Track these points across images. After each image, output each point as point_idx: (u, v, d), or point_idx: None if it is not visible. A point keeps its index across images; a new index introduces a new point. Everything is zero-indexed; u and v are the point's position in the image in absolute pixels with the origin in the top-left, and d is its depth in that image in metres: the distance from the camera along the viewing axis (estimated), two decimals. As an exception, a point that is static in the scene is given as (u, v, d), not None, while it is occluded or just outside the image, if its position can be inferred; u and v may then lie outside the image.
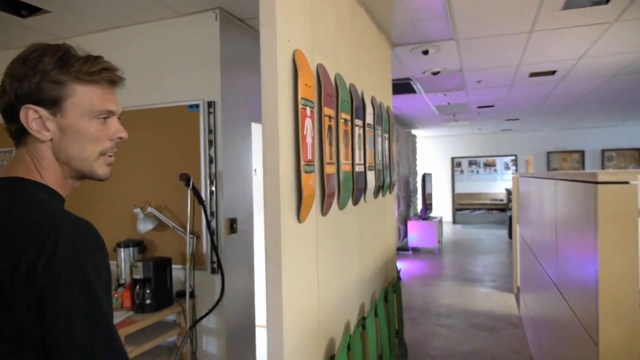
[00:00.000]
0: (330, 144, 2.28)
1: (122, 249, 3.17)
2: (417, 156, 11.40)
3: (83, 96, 0.86)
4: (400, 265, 7.54)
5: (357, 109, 2.80)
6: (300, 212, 1.94)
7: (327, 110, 2.25)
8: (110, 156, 0.94)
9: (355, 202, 2.81)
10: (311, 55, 2.16)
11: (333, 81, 2.45)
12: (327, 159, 2.22)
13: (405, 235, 8.89)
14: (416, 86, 5.81)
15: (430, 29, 3.67)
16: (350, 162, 2.62)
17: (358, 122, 2.81)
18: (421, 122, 9.98)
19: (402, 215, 8.86)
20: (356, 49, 2.97)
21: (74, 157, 0.88)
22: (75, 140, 0.87)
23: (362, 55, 3.10)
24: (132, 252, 3.20)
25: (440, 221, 9.51)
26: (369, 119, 3.10)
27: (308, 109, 1.99)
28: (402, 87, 5.77)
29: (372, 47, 3.41)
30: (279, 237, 1.82)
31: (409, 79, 5.39)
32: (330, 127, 2.28)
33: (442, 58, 4.47)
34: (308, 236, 2.08)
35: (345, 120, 2.55)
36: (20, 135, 0.87)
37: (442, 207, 12.98)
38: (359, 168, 2.80)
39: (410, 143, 10.45)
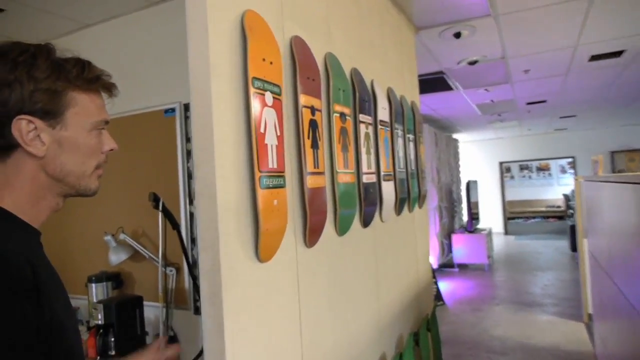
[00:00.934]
0: (315, 146, 1.63)
1: (93, 284, 2.66)
2: (460, 162, 10.47)
3: (83, 106, 0.82)
4: (445, 285, 6.68)
5: (363, 101, 2.14)
6: (259, 247, 1.30)
7: (308, 99, 1.61)
8: (101, 169, 0.88)
9: (366, 223, 2.13)
10: (279, 24, 1.54)
11: (322, 62, 1.81)
12: (309, 166, 1.58)
13: (450, 250, 7.99)
14: (451, 81, 5.05)
15: (461, 3, 2.96)
16: (353, 170, 1.96)
17: (365, 118, 2.15)
18: (463, 125, 9.09)
19: (446, 228, 7.98)
20: (361, 27, 2.33)
21: (71, 173, 0.82)
22: (74, 154, 0.81)
23: (370, 36, 2.45)
24: (105, 288, 2.69)
25: (490, 233, 8.53)
26: (383, 115, 2.42)
27: (269, 95, 1.36)
28: (435, 83, 5.03)
29: (386, 28, 2.75)
30: (219, 288, 1.19)
31: (441, 72, 4.65)
32: (313, 122, 1.63)
33: (479, 42, 3.72)
34: (279, 280, 1.44)
35: (342, 114, 1.89)
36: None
37: (491, 217, 11.87)
38: (368, 178, 2.13)
39: (452, 148, 9.57)
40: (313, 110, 1.64)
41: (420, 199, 3.13)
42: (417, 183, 3.07)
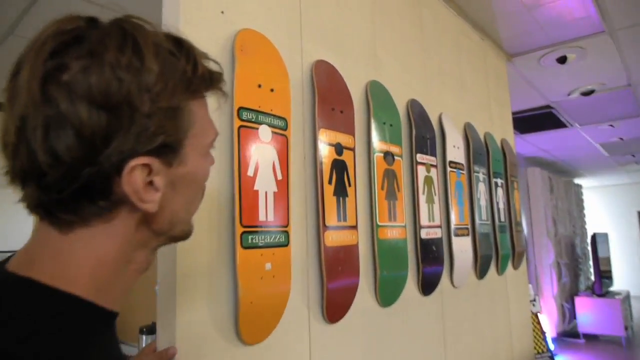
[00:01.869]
0: (341, 193, 1.30)
1: (144, 336, 2.54)
2: (585, 212, 9.01)
3: (202, 121, 0.53)
4: (565, 361, 5.52)
5: (422, 138, 1.76)
6: (239, 326, 0.99)
7: (331, 135, 1.30)
8: None
9: (427, 289, 1.69)
10: (295, 46, 1.28)
11: (362, 92, 1.50)
12: (329, 219, 1.24)
13: (574, 316, 6.69)
14: (563, 117, 4.32)
15: (562, 21, 2.45)
16: (403, 223, 1.56)
17: (425, 158, 1.75)
18: (586, 168, 7.84)
19: (567, 290, 6.74)
20: (426, 54, 1.98)
21: (183, 220, 0.56)
22: (189, 193, 0.55)
23: (439, 64, 2.08)
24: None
25: (627, 297, 7.01)
26: (455, 155, 1.99)
27: (265, 130, 1.09)
28: (543, 119, 4.35)
29: (464, 55, 2.35)
30: (171, 383, 0.89)
31: (549, 107, 3.99)
32: (339, 163, 1.31)
33: (593, 67, 3.08)
34: (276, 368, 1.09)
35: (388, 154, 1.54)
36: (91, 214, 0.47)
37: (629, 277, 9.90)
38: (429, 233, 1.70)
39: (574, 195, 8.29)
40: (339, 148, 1.32)
41: (515, 258, 2.53)
42: (511, 237, 2.50)
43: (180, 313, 0.91)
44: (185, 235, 0.60)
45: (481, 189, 2.20)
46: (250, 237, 1.01)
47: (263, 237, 1.04)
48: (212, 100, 0.57)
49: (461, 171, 2.02)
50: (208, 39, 1.03)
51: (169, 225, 0.54)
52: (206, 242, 0.98)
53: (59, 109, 0.43)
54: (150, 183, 0.48)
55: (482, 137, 2.37)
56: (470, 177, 2.14)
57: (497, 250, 2.30)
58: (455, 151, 2.00)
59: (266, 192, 1.07)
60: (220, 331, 0.98)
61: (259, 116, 1.08)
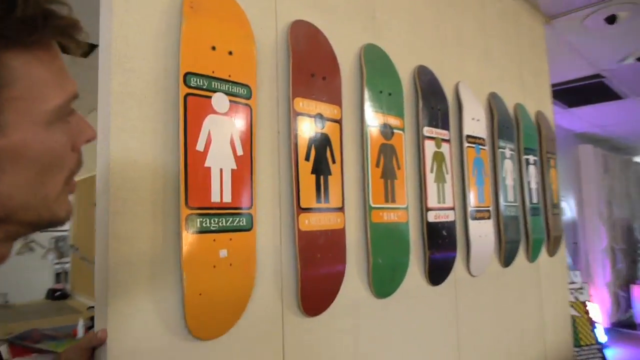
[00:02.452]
0: (321, 171, 1.14)
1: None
2: (647, 192, 8.26)
3: (30, 79, 0.42)
4: (618, 354, 5.10)
5: (432, 109, 1.56)
6: (187, 318, 0.88)
7: (309, 105, 1.14)
8: (73, 180, 0.49)
9: (437, 279, 1.51)
10: (270, 5, 1.13)
11: (357, 56, 1.33)
12: (304, 200, 1.10)
13: (630, 305, 6.19)
14: (615, 87, 3.87)
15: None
16: (404, 205, 1.39)
17: (435, 132, 1.56)
18: (648, 145, 7.15)
19: (622, 277, 6.23)
20: (439, 17, 1.75)
21: (21, 205, 0.44)
22: (24, 173, 0.43)
23: (457, 28, 1.85)
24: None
25: (694, 287, 6.38)
26: (474, 128, 1.77)
27: (220, 98, 0.95)
28: (593, 91, 3.93)
29: (489, 18, 2.08)
30: (101, 384, 0.79)
31: (599, 76, 3.58)
32: (320, 137, 1.15)
33: (650, 27, 2.69)
34: (239, 366, 0.98)
35: (385, 126, 1.36)
36: None
37: (699, 264, 9.04)
38: (438, 216, 1.52)
39: (631, 174, 7.60)
40: (320, 119, 1.16)
41: (551, 243, 2.27)
42: (545, 222, 2.24)
43: (113, 302, 0.81)
44: (51, 221, 0.49)
45: (507, 166, 1.96)
46: (198, 220, 0.89)
47: (216, 220, 0.92)
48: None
49: (481, 147, 1.80)
50: (150, -6, 0.91)
51: (3, 210, 0.43)
52: (149, 226, 0.86)
53: None
54: None
55: (511, 109, 2.12)
56: (494, 153, 1.91)
57: (528, 235, 2.07)
58: (475, 124, 1.78)
59: (221, 170, 0.94)
60: (167, 324, 0.87)
61: (213, 82, 0.94)
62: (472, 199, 1.71)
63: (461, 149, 1.71)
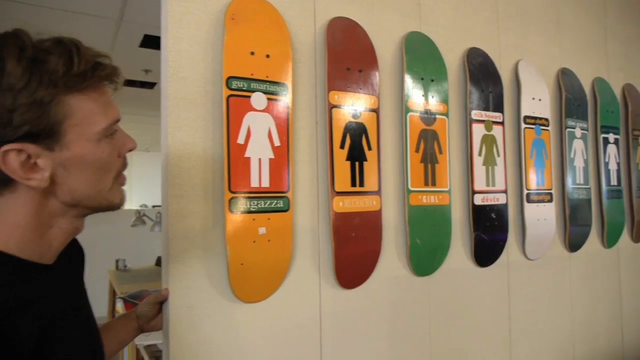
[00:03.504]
0: (356, 157, 1.25)
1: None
2: None
3: (84, 112, 0.62)
4: None
5: (480, 91, 1.55)
6: (232, 284, 1.06)
7: (344, 97, 1.24)
8: (122, 176, 0.73)
9: (484, 260, 1.54)
10: (309, 6, 1.24)
11: (399, 45, 1.39)
12: (338, 184, 1.21)
13: None
14: None
15: None
16: (446, 188, 1.43)
17: (483, 114, 1.55)
18: None
19: None
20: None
21: (86, 196, 0.66)
22: (85, 174, 0.65)
23: (520, 2, 1.78)
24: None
25: None
26: (535, 108, 1.71)
27: (259, 97, 1.10)
28: None
29: (563, -14, 1.95)
30: (167, 326, 1.01)
31: None
32: (354, 126, 1.25)
33: None
34: (278, 327, 1.14)
35: (427, 112, 1.41)
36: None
37: None
38: (486, 199, 1.53)
39: None
40: (356, 110, 1.25)
41: (635, 227, 2.11)
42: (629, 205, 2.08)
43: (173, 268, 1.01)
44: (113, 207, 0.71)
45: (577, 146, 1.86)
46: (240, 202, 1.05)
47: (255, 202, 1.08)
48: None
49: (543, 127, 1.74)
50: (198, 12, 1.07)
51: (72, 198, 0.65)
52: (200, 207, 1.05)
53: None
54: (36, 164, 0.60)
55: (587, 85, 1.99)
56: (562, 133, 1.82)
57: (603, 219, 1.95)
58: (535, 104, 1.72)
59: (260, 159, 1.09)
60: (215, 287, 1.06)
61: (252, 84, 1.09)
62: (529, 182, 1.67)
63: (518, 131, 1.68)
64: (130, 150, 0.72)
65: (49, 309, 0.66)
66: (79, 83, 0.61)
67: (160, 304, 1.04)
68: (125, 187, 0.74)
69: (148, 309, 1.03)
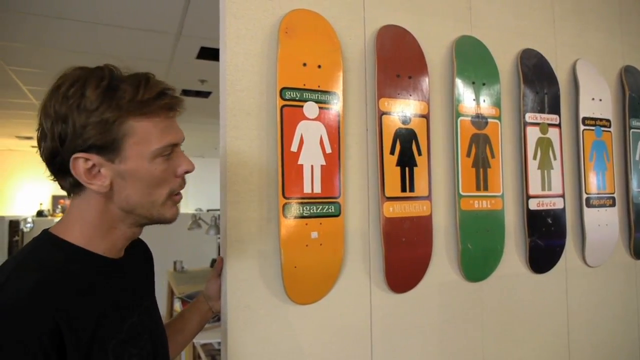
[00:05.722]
0: (406, 163, 1.26)
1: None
2: None
3: (142, 133, 0.73)
4: None
5: (534, 94, 1.52)
6: (286, 287, 1.10)
7: (394, 103, 1.26)
8: (177, 195, 0.81)
9: (540, 266, 1.50)
10: (359, 16, 1.27)
11: (449, 50, 1.40)
12: (388, 189, 1.23)
13: None
14: None
15: None
16: (499, 193, 1.41)
17: (538, 117, 1.51)
18: None
19: None
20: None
21: (139, 205, 0.77)
22: (138, 186, 0.75)
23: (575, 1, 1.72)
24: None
25: None
26: (594, 109, 1.65)
27: (311, 106, 1.14)
28: None
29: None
30: (225, 327, 1.07)
31: None
32: (405, 132, 1.26)
33: None
34: (330, 328, 1.18)
35: (478, 116, 1.40)
36: (73, 186, 0.75)
37: None
38: (542, 203, 1.49)
39: None
40: (405, 116, 1.27)
41: None
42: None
43: (230, 269, 1.07)
44: (164, 220, 0.80)
45: (638, 149, 1.76)
46: (293, 207, 1.10)
47: (308, 207, 1.12)
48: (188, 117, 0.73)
49: (604, 128, 1.66)
50: (254, 27, 1.13)
51: (127, 205, 0.76)
52: (256, 212, 1.11)
53: (43, 126, 0.72)
54: (99, 172, 0.72)
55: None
56: (625, 135, 1.74)
57: (673, 224, 1.83)
58: (595, 105, 1.65)
59: (312, 166, 1.13)
60: (270, 288, 1.11)
61: (304, 94, 1.14)
62: (589, 186, 1.60)
63: (577, 133, 1.62)
64: (187, 172, 0.81)
65: (110, 295, 0.76)
66: (141, 108, 0.72)
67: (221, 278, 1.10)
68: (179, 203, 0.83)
69: (211, 287, 1.11)
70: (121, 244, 0.80)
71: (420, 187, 1.28)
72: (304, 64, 1.14)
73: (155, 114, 0.74)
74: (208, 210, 7.62)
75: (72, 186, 0.74)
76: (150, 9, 2.67)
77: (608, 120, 1.68)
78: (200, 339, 2.50)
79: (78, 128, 0.69)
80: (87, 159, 0.70)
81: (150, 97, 0.72)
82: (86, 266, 0.74)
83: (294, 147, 1.11)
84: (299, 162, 1.12)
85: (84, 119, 0.68)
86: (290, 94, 1.12)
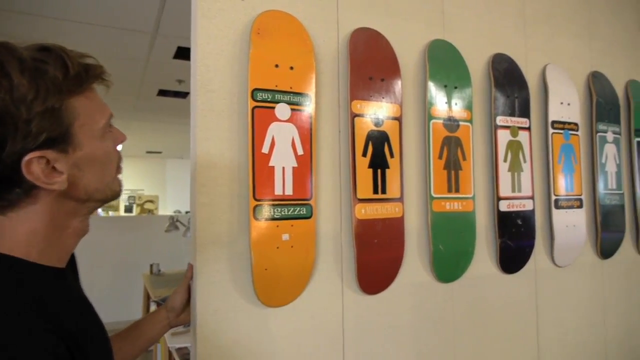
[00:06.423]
0: (378, 165, 1.27)
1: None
2: None
3: (85, 112, 0.66)
4: None
5: (505, 97, 1.55)
6: (256, 289, 1.10)
7: (367, 106, 1.27)
8: (120, 167, 0.77)
9: (510, 267, 1.52)
10: (332, 18, 1.28)
11: (422, 53, 1.41)
12: (360, 191, 1.24)
13: None
14: None
15: None
16: (470, 195, 1.43)
17: (509, 120, 1.54)
18: None
19: None
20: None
21: (97, 190, 0.70)
22: (95, 169, 0.69)
23: (549, 4, 1.76)
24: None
25: None
26: (563, 113, 1.69)
27: (283, 108, 1.14)
28: None
29: (592, -13, 1.91)
30: (194, 329, 1.06)
31: None
32: (377, 134, 1.27)
33: None
34: (300, 332, 1.17)
35: (450, 119, 1.41)
36: (20, 197, 0.63)
37: None
38: (513, 205, 1.52)
39: None
40: (378, 119, 1.28)
41: (674, 234, 2.03)
42: (666, 210, 2.00)
43: (200, 273, 1.06)
44: (112, 196, 0.75)
45: (609, 151, 1.81)
46: (264, 209, 1.10)
47: (279, 209, 1.11)
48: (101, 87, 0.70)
49: (572, 132, 1.71)
50: (226, 28, 1.12)
51: (86, 194, 0.69)
52: (226, 214, 1.10)
53: None
54: (54, 168, 0.63)
55: (621, 87, 1.94)
56: (592, 138, 1.79)
57: (638, 225, 1.89)
58: (564, 109, 1.69)
59: (283, 168, 1.13)
60: (240, 291, 1.10)
61: (276, 95, 1.13)
62: (558, 188, 1.64)
63: (546, 136, 1.66)
64: (122, 142, 0.76)
65: (73, 312, 0.68)
66: (78, 85, 0.65)
67: (189, 291, 1.08)
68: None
69: (177, 299, 1.07)
70: (72, 246, 0.72)
71: (393, 189, 1.29)
72: (276, 66, 1.14)
73: (89, 88, 0.67)
74: (187, 212, 7.52)
75: (18, 197, 0.62)
76: (126, 7, 2.63)
77: (576, 124, 1.72)
78: (175, 343, 2.46)
79: (21, 125, 0.58)
80: (40, 157, 0.61)
81: (80, 70, 0.65)
82: (40, 284, 0.65)
83: (265, 149, 1.11)
84: (270, 164, 1.11)
85: (24, 112, 0.58)
86: (261, 95, 1.11)
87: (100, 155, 0.69)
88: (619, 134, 1.86)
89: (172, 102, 4.65)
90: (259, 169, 1.10)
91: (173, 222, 4.76)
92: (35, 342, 0.56)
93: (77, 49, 0.67)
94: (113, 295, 5.09)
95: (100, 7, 2.61)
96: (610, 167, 1.81)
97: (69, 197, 0.67)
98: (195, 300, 1.06)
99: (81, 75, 0.65)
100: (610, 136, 1.83)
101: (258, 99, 1.11)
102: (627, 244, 1.88)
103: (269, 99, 1.12)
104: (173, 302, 1.08)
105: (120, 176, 0.76)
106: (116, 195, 0.75)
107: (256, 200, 1.09)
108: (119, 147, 0.76)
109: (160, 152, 8.70)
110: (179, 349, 2.45)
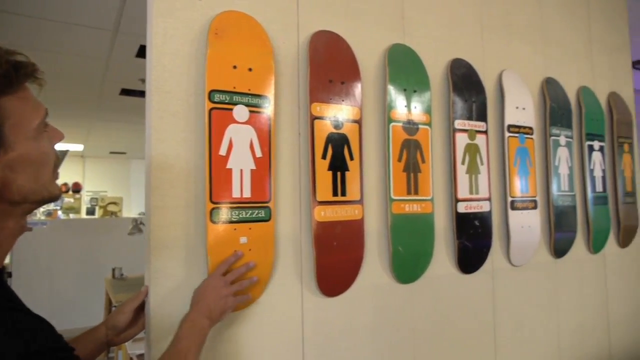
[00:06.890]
0: (338, 167, 1.27)
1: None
2: None
3: (17, 112, 0.64)
4: None
5: (464, 101, 1.59)
6: (214, 293, 1.08)
7: (327, 108, 1.27)
8: (57, 168, 0.74)
9: (469, 267, 1.56)
10: (292, 21, 1.27)
11: (382, 57, 1.43)
12: (320, 194, 1.24)
13: None
14: None
15: None
16: (429, 197, 1.46)
17: (467, 124, 1.58)
18: None
19: None
20: (480, 5, 1.75)
21: (31, 192, 0.68)
22: (29, 170, 0.67)
23: (505, 11, 1.81)
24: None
25: None
26: (519, 117, 1.75)
27: (241, 110, 1.13)
28: None
29: (547, -3, 1.99)
30: (148, 338, 1.03)
31: None
32: (336, 137, 1.28)
33: None
34: (257, 336, 1.16)
35: (409, 122, 1.44)
36: None
37: None
38: (470, 207, 1.56)
39: None
40: (338, 121, 1.28)
41: (622, 234, 2.13)
42: (615, 211, 2.11)
43: (155, 277, 1.04)
44: (50, 198, 0.72)
45: (562, 154, 1.89)
46: (221, 212, 1.08)
47: (237, 212, 1.10)
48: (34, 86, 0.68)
49: (527, 136, 1.77)
50: (182, 27, 1.10)
51: (19, 196, 0.67)
52: (182, 217, 1.08)
53: None
54: None
55: (573, 93, 2.02)
56: (546, 141, 1.86)
57: (589, 225, 1.97)
58: (519, 113, 1.75)
59: (242, 170, 1.12)
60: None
61: (234, 97, 1.12)
62: (513, 189, 1.70)
63: (502, 139, 1.71)
64: (60, 141, 0.74)
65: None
66: (8, 86, 0.63)
67: (136, 310, 1.04)
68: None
69: (121, 318, 1.00)
70: (9, 247, 0.70)
71: (352, 191, 1.30)
72: (234, 67, 1.13)
73: (21, 88, 0.66)
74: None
75: None
76: (85, 3, 2.55)
77: (531, 128, 1.79)
78: (135, 350, 2.40)
79: None
80: None
81: (9, 68, 0.63)
82: None
83: (222, 151, 1.09)
84: (228, 166, 1.10)
85: None
86: (219, 97, 1.10)
87: (35, 155, 0.67)
88: (571, 137, 1.95)
89: (136, 101, 4.54)
90: (216, 171, 1.08)
91: (136, 225, 4.62)
92: None
93: (32, 45, 0.64)
94: (74, 300, 4.91)
95: (58, 2, 2.52)
96: (563, 170, 1.89)
97: (2, 199, 0.65)
98: (150, 305, 1.03)
99: (10, 74, 0.63)
100: (562, 140, 1.90)
101: (215, 100, 1.09)
102: (579, 243, 1.96)
103: (226, 101, 1.11)
104: (115, 320, 1.00)
105: (57, 180, 0.74)
106: (54, 196, 0.72)
107: (213, 203, 1.07)
108: (57, 146, 0.73)
109: (124, 153, 8.47)
110: (139, 355, 2.39)
